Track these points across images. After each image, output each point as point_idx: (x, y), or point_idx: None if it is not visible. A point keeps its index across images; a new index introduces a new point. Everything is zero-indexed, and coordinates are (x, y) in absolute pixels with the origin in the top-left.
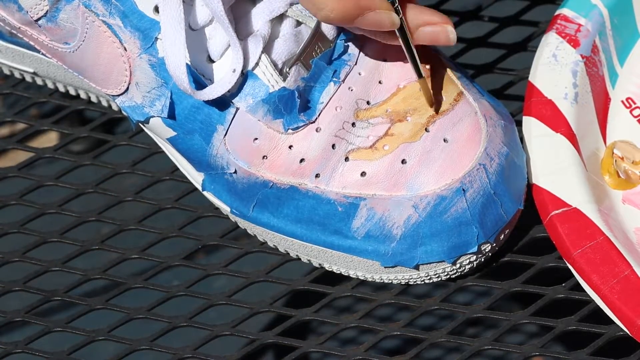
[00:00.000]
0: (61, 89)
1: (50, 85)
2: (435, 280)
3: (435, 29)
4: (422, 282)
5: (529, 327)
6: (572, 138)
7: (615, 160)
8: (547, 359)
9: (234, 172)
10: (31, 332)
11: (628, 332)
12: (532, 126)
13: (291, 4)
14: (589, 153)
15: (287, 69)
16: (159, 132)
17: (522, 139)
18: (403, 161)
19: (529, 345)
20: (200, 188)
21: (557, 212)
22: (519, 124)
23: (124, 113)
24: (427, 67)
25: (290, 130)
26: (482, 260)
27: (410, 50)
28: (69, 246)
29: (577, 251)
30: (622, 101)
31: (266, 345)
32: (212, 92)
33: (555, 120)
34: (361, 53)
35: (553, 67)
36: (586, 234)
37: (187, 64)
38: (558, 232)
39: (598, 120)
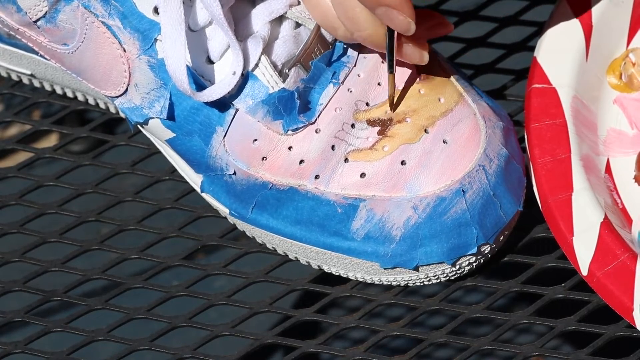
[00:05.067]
0: (59, 91)
1: (47, 87)
2: (434, 281)
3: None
4: (422, 284)
5: (529, 327)
6: (587, 29)
7: (625, 63)
8: (546, 359)
9: (233, 174)
10: (31, 332)
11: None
12: (562, 5)
13: (290, 6)
14: (605, 51)
15: (287, 70)
16: (158, 133)
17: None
18: (402, 162)
19: (528, 345)
20: (198, 190)
21: (537, 85)
22: (518, 124)
23: (123, 115)
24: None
25: (289, 132)
26: (482, 261)
27: (391, 46)
28: (69, 246)
29: (534, 124)
30: None
31: (266, 345)
32: (212, 93)
33: (582, 8)
34: (360, 55)
35: None
36: (550, 113)
37: (187, 65)
38: (531, 102)
39: (630, 25)
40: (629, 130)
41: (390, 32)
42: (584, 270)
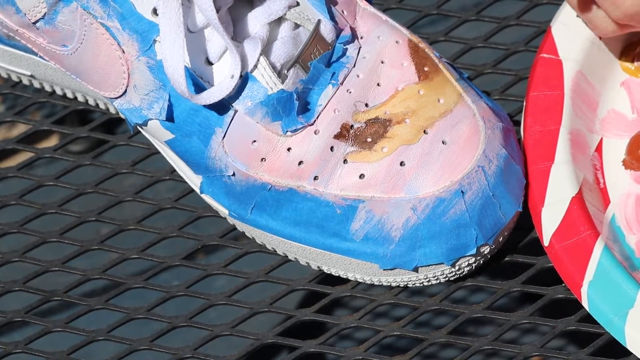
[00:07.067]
0: (58, 92)
1: (47, 88)
2: (434, 282)
3: None
4: (421, 285)
5: (529, 327)
6: None
7: None
8: (547, 359)
9: (232, 175)
10: (31, 332)
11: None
12: None
13: (289, 7)
14: (627, 40)
15: (286, 71)
16: (157, 134)
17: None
18: (402, 163)
19: (528, 345)
20: (198, 191)
21: (545, 55)
22: (517, 124)
23: (122, 115)
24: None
25: (288, 133)
26: (481, 262)
27: None
28: (69, 246)
29: (533, 93)
30: None
31: (266, 345)
32: (210, 96)
33: None
34: (359, 56)
35: None
36: (550, 84)
37: (185, 67)
38: (535, 70)
39: None
40: (629, 113)
41: None
42: (546, 241)
